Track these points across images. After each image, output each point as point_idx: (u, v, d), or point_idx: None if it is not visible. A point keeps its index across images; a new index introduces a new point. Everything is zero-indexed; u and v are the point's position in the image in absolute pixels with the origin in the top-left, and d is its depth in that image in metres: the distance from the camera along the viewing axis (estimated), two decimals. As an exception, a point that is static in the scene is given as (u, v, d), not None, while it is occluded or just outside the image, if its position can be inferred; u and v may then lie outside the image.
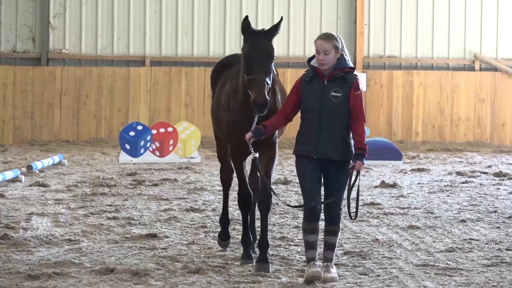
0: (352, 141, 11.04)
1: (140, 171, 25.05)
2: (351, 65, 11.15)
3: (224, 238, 14.00)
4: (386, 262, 13.52)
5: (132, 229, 16.21)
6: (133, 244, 14.94)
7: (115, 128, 32.22)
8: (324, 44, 10.94)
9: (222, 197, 13.51)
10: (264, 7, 31.73)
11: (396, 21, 34.35)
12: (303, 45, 33.94)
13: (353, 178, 11.05)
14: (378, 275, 12.72)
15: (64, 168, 25.92)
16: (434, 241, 15.53)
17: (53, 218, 17.31)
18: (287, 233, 15.67)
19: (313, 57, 11.20)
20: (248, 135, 11.31)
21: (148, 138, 27.09)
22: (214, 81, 13.59)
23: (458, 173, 25.59)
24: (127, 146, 27.14)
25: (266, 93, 11.36)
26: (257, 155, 11.76)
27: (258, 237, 13.15)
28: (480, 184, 23.55)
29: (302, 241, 14.91)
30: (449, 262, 13.72)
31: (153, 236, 15.53)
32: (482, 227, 17.02)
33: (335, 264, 11.69)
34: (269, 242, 12.91)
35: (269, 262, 12.27)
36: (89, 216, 17.58)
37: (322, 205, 11.26)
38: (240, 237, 13.45)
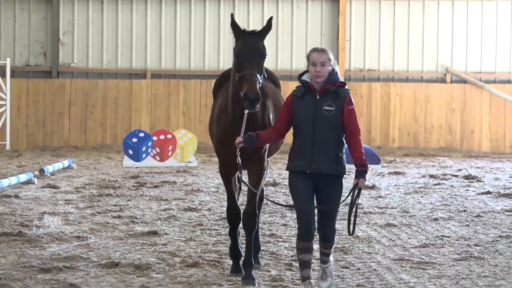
0: (343, 156, 10.22)
1: (142, 174, 25.04)
2: (342, 79, 10.41)
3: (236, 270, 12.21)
4: (366, 257, 13.57)
5: (135, 227, 16.23)
6: (136, 240, 14.97)
7: (119, 135, 32.21)
8: (322, 56, 10.13)
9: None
10: (255, 25, 31.67)
11: (375, 37, 34.37)
12: (290, 59, 33.95)
13: (355, 197, 10.28)
14: (359, 269, 12.78)
15: (73, 172, 25.90)
16: (409, 238, 15.57)
17: (63, 217, 17.33)
18: (275, 231, 15.69)
19: (303, 73, 10.43)
20: (238, 140, 10.43)
21: (149, 144, 27.09)
22: (215, 94, 12.45)
23: (431, 176, 25.61)
24: (130, 152, 27.15)
25: (257, 87, 10.43)
26: (240, 162, 10.79)
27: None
28: (451, 186, 23.57)
29: (290, 238, 15.00)
30: (423, 257, 13.77)
31: (154, 233, 15.55)
32: (453, 225, 17.06)
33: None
34: (260, 247, 12.73)
35: (255, 279, 11.40)
36: (96, 215, 17.59)
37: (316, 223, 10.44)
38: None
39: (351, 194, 10.26)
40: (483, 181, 24.60)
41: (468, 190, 22.67)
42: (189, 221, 17.04)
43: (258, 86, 10.44)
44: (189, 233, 15.69)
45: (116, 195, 20.62)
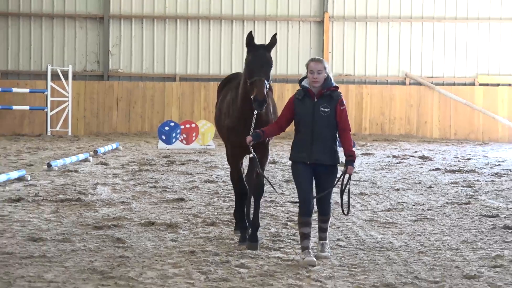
0: (338, 148, 9.99)
1: (172, 154, 25.00)
2: (335, 84, 10.02)
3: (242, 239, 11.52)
4: (344, 218, 13.52)
5: (166, 195, 16.19)
6: (167, 205, 14.94)
7: (155, 125, 32.16)
8: (318, 65, 9.78)
9: (229, 173, 13.18)
10: (258, 40, 31.44)
11: (351, 50, 34.28)
12: (286, 66, 33.84)
13: (345, 181, 10.07)
14: (338, 227, 12.74)
15: (119, 152, 25.87)
16: (377, 204, 15.53)
17: (111, 187, 17.29)
18: (274, 198, 15.65)
19: (303, 79, 10.03)
20: (249, 139, 10.13)
21: (178, 131, 27.10)
22: (219, 92, 12.09)
23: (394, 156, 25.56)
24: (163, 137, 27.14)
25: (265, 91, 10.14)
26: (254, 155, 10.56)
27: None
28: (409, 164, 23.52)
29: (286, 204, 14.91)
30: (387, 218, 13.73)
31: (181, 199, 15.51)
32: (411, 194, 17.00)
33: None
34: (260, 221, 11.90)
35: (258, 240, 10.96)
36: (136, 186, 17.56)
37: (315, 202, 10.17)
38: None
39: (341, 179, 10.02)
40: (434, 160, 24.56)
41: (422, 167, 22.64)
42: (208, 190, 17.00)
43: (265, 90, 10.19)
44: (208, 200, 15.66)
45: (152, 170, 20.59)
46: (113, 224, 12.75)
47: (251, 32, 10.71)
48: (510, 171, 21.82)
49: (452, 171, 21.42)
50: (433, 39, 34.32)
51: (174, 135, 27.05)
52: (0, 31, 33.86)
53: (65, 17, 33.97)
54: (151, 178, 18.94)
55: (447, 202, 15.82)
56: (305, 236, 9.92)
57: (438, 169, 22.01)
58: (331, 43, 34.05)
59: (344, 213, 10.38)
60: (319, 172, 9.95)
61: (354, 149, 10.08)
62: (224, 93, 11.65)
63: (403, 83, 34.18)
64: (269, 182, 10.73)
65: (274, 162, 22.43)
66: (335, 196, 11.83)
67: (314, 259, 9.72)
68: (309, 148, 9.83)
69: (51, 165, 20.22)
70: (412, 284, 9.29)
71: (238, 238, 11.26)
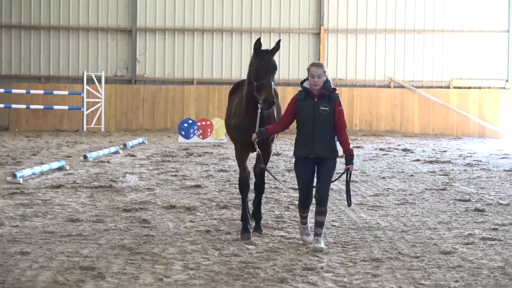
0: (336, 144, 9.63)
1: (191, 147, 25.00)
2: (333, 86, 9.67)
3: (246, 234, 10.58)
4: (338, 202, 13.53)
5: (186, 182, 16.19)
6: (186, 191, 14.95)
7: (175, 122, 32.16)
8: (318, 69, 9.44)
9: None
10: (263, 47, 31.41)
11: (343, 57, 34.23)
12: (288, 71, 33.80)
13: (348, 178, 9.78)
14: (333, 210, 12.73)
15: (145, 146, 25.88)
16: (366, 190, 15.51)
17: (138, 175, 17.30)
18: (278, 185, 15.64)
19: (304, 81, 9.70)
20: (254, 136, 9.76)
21: (195, 127, 27.10)
22: (230, 96, 11.34)
23: (380, 149, 25.53)
24: (183, 132, 27.15)
25: (273, 93, 9.74)
26: (259, 151, 10.10)
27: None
28: (394, 155, 23.49)
29: (288, 190, 14.89)
30: (375, 202, 13.71)
31: (198, 186, 15.52)
32: (395, 181, 16.99)
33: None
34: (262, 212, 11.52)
35: (262, 229, 10.64)
36: (160, 174, 17.56)
37: (314, 193, 9.77)
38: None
39: (344, 175, 9.80)
40: (415, 152, 24.53)
41: (405, 158, 22.61)
42: (221, 178, 16.99)
43: (273, 91, 9.79)
44: (221, 186, 15.65)
45: (173, 161, 20.59)
46: (139, 207, 12.78)
47: (259, 38, 10.37)
48: (480, 161, 21.82)
49: (430, 162, 21.40)
50: (414, 48, 34.26)
51: (192, 131, 27.06)
52: (44, 42, 33.90)
53: (99, 30, 33.98)
54: (172, 167, 18.95)
55: (426, 189, 15.81)
56: (303, 217, 9.84)
57: (418, 160, 21.99)
58: (326, 52, 34.00)
59: (348, 205, 10.05)
60: (319, 165, 9.60)
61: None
62: (233, 98, 11.13)
63: (388, 86, 34.12)
64: (271, 174, 10.70)
65: (277, 154, 22.42)
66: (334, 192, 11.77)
67: (310, 239, 9.72)
68: (310, 144, 9.48)
69: (86, 157, 20.25)
70: (396, 258, 9.30)
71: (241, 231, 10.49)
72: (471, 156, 23.79)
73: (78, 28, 33.94)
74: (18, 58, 33.98)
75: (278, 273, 8.51)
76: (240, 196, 10.95)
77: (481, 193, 15.20)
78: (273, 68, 9.91)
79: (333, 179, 9.84)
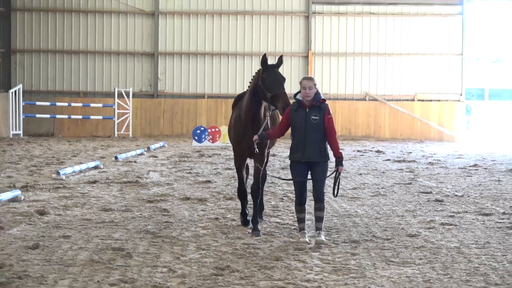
0: (326, 148, 9.04)
1: (202, 150, 24.99)
2: (323, 97, 9.09)
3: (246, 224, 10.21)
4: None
5: (198, 178, 16.19)
6: (199, 185, 14.94)
7: (190, 129, 32.09)
8: (309, 82, 8.92)
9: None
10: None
11: (327, 75, 34.16)
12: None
13: (337, 178, 9.19)
14: (319, 201, 12.76)
15: (165, 148, 25.88)
16: (346, 184, 15.50)
17: (160, 173, 17.30)
18: (274, 180, 15.63)
19: (297, 93, 9.08)
20: (255, 137, 9.18)
21: (206, 134, 27.13)
22: (233, 107, 10.45)
23: (358, 151, 25.52)
24: (196, 138, 27.17)
25: (288, 99, 9.17)
26: (258, 151, 9.44)
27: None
28: (369, 156, 23.50)
29: (282, 184, 14.85)
30: (353, 194, 13.70)
31: (209, 181, 15.51)
32: (370, 177, 16.99)
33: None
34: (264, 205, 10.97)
35: (260, 231, 9.62)
36: (177, 172, 17.56)
37: (308, 194, 9.27)
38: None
39: (334, 176, 9.20)
40: (386, 153, 24.52)
41: (377, 158, 22.62)
42: (228, 175, 16.97)
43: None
44: (227, 181, 15.64)
45: (188, 161, 20.59)
46: (160, 199, 12.78)
47: (265, 54, 9.77)
48: (439, 161, 21.84)
49: (399, 161, 21.41)
50: (385, 68, 34.25)
51: (203, 136, 27.07)
52: (82, 64, 33.90)
53: (127, 54, 33.96)
54: (187, 166, 18.95)
55: (395, 183, 15.82)
56: (300, 220, 9.07)
57: (388, 159, 22.00)
58: (314, 71, 33.93)
59: (334, 195, 9.32)
60: (312, 168, 8.98)
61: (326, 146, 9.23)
62: (236, 108, 10.28)
63: (364, 99, 34.08)
64: (260, 167, 9.75)
65: (273, 155, 22.42)
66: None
67: (307, 240, 8.89)
68: (303, 149, 8.89)
69: (117, 158, 20.27)
70: (371, 240, 9.31)
71: (244, 225, 10.07)
72: (432, 156, 23.82)
73: (110, 52, 33.95)
74: (61, 76, 34.00)
75: (274, 252, 8.53)
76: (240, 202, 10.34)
77: (440, 187, 15.22)
78: (283, 79, 9.44)
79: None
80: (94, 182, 15.09)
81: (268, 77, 9.37)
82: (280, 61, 9.57)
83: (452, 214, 11.55)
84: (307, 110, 8.91)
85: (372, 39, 34.28)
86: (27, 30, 33.95)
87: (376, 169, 18.88)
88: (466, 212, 11.77)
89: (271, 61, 9.70)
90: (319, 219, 9.00)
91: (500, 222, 10.77)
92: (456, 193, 14.11)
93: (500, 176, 17.41)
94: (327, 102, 9.08)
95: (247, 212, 10.14)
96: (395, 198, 13.36)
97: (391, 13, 34.13)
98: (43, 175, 16.41)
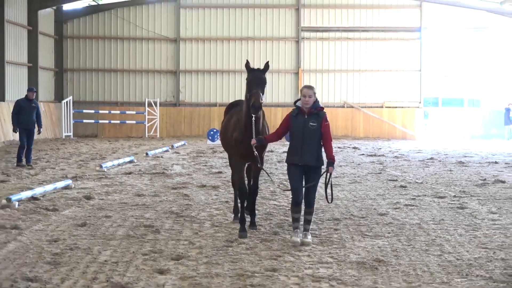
0: (322, 153, 7.77)
1: (216, 147, 24.94)
2: (321, 105, 7.89)
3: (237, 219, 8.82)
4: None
5: (212, 169, 16.15)
6: (213, 175, 14.90)
7: (205, 131, 32.05)
8: (309, 91, 7.70)
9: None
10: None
11: (314, 86, 34.09)
12: (277, 97, 33.72)
13: (328, 178, 7.86)
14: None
15: (185, 146, 25.85)
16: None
17: (181, 165, 17.27)
18: (275, 171, 15.59)
19: (297, 101, 7.81)
20: (253, 141, 7.80)
21: (218, 134, 27.14)
22: (225, 113, 9.20)
23: (338, 147, 25.42)
24: (210, 138, 27.13)
25: (260, 100, 7.72)
26: (257, 153, 7.98)
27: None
28: (347, 151, 23.45)
29: (279, 175, 14.76)
30: (335, 182, 13.56)
31: (220, 172, 15.45)
32: (347, 168, 16.92)
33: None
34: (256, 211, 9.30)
35: (256, 225, 8.41)
36: (195, 165, 17.53)
37: (303, 195, 7.78)
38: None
39: (325, 176, 7.85)
40: (360, 149, 24.48)
41: (354, 153, 22.56)
42: (235, 167, 16.96)
43: (260, 99, 7.73)
44: (235, 172, 15.63)
45: (204, 156, 20.56)
46: (182, 186, 12.74)
47: (247, 60, 8.44)
48: (403, 155, 21.79)
49: (371, 155, 21.37)
50: (360, 81, 34.19)
51: (216, 136, 27.00)
52: (119, 79, 33.90)
53: (155, 72, 33.96)
54: (203, 160, 18.92)
55: (368, 173, 15.78)
56: (295, 220, 7.70)
57: (363, 154, 21.95)
58: (303, 84, 33.81)
59: (328, 202, 8.18)
60: (307, 171, 7.69)
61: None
62: (229, 115, 8.85)
63: (343, 107, 34.01)
64: (266, 173, 8.40)
65: (271, 151, 22.39)
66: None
67: (298, 240, 7.48)
68: (299, 153, 7.62)
69: (147, 154, 20.25)
70: (350, 218, 9.27)
71: (238, 229, 8.20)
72: (397, 151, 23.77)
73: (141, 70, 33.97)
74: (103, 90, 34.02)
75: (272, 228, 8.50)
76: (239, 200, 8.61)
77: (404, 175, 15.18)
78: (262, 81, 7.95)
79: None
80: (130, 173, 15.07)
81: (249, 79, 8.01)
82: (266, 66, 8.13)
83: (414, 197, 11.52)
84: (306, 117, 7.72)
85: (349, 59, 34.25)
86: (76, 53, 34.09)
87: (353, 162, 18.84)
88: (425, 195, 11.74)
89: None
90: (307, 222, 7.75)
91: (451, 203, 10.75)
92: (416, 181, 14.08)
93: (451, 167, 17.39)
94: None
95: (245, 215, 8.33)
96: (368, 185, 13.33)
97: (364, 38, 34.09)
98: (89, 167, 16.40)
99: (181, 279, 5.96)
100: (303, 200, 7.73)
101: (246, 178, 8.74)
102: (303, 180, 7.73)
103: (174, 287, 5.69)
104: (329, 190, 8.19)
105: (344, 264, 6.67)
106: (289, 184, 7.87)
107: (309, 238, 7.65)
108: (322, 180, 7.92)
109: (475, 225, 8.81)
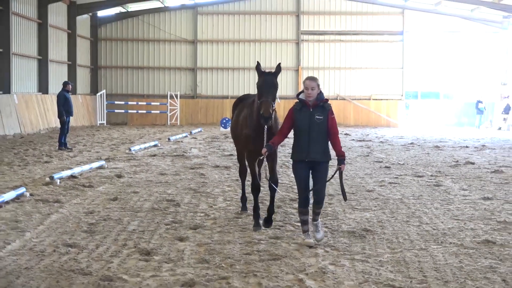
0: (329, 148, 6.31)
1: (227, 133, 24.87)
2: (326, 98, 6.35)
3: (244, 209, 7.81)
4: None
5: (224, 152, 16.11)
6: (225, 157, 14.85)
7: (218, 119, 31.94)
8: (312, 83, 6.23)
9: None
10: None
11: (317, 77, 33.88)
12: (280, 91, 33.52)
13: (340, 176, 6.47)
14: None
15: (202, 132, 25.80)
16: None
17: (198, 148, 17.24)
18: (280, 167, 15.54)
19: (300, 93, 6.32)
20: (264, 150, 6.20)
21: (229, 122, 27.00)
22: (234, 108, 7.85)
23: (332, 134, 25.38)
24: (222, 125, 27.05)
25: (270, 110, 6.40)
26: (267, 163, 6.67)
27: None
28: (340, 137, 23.32)
29: (288, 174, 14.67)
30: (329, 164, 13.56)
31: (231, 155, 15.34)
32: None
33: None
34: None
35: (272, 221, 6.86)
36: (210, 148, 17.50)
37: (310, 194, 6.34)
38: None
39: (337, 174, 6.46)
40: (351, 135, 24.38)
41: (346, 138, 22.45)
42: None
43: (271, 109, 6.43)
44: (244, 155, 15.58)
45: (218, 141, 20.52)
46: (199, 167, 12.72)
47: (258, 62, 6.86)
48: (387, 140, 21.69)
49: (360, 140, 21.27)
50: (351, 77, 33.94)
51: (228, 124, 26.90)
52: (146, 76, 33.83)
53: (176, 69, 33.82)
54: (217, 144, 18.88)
55: (358, 155, 15.71)
56: (304, 222, 6.25)
57: (353, 139, 21.84)
58: (302, 81, 33.73)
59: (344, 200, 6.61)
60: (314, 167, 6.21)
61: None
62: (239, 109, 7.59)
63: (336, 99, 33.79)
64: (274, 187, 6.74)
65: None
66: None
67: (312, 241, 6.12)
68: (306, 149, 6.13)
69: (170, 139, 20.23)
70: (341, 194, 9.22)
71: (252, 224, 6.94)
72: (382, 137, 23.66)
73: (164, 67, 33.87)
74: (132, 84, 33.96)
75: (276, 202, 8.45)
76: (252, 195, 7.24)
77: (388, 158, 15.11)
78: (273, 87, 6.61)
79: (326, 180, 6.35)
80: (154, 155, 15.07)
81: (259, 83, 6.64)
82: (278, 68, 6.87)
83: (397, 176, 11.47)
84: (311, 110, 6.20)
85: (342, 58, 34.02)
86: (108, 53, 34.00)
87: (344, 146, 18.72)
88: (406, 175, 11.69)
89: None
90: (316, 213, 6.35)
91: (429, 182, 10.70)
92: (399, 162, 14.01)
93: (429, 151, 17.28)
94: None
95: (259, 213, 7.05)
96: (358, 166, 13.27)
97: (355, 40, 33.81)
98: (119, 150, 16.41)
99: (198, 246, 5.97)
100: (310, 199, 6.35)
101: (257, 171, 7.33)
102: (310, 178, 6.28)
103: (192, 252, 5.70)
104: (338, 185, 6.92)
105: (337, 233, 6.66)
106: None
107: (321, 231, 6.25)
108: (331, 177, 6.48)
109: (449, 200, 8.77)
